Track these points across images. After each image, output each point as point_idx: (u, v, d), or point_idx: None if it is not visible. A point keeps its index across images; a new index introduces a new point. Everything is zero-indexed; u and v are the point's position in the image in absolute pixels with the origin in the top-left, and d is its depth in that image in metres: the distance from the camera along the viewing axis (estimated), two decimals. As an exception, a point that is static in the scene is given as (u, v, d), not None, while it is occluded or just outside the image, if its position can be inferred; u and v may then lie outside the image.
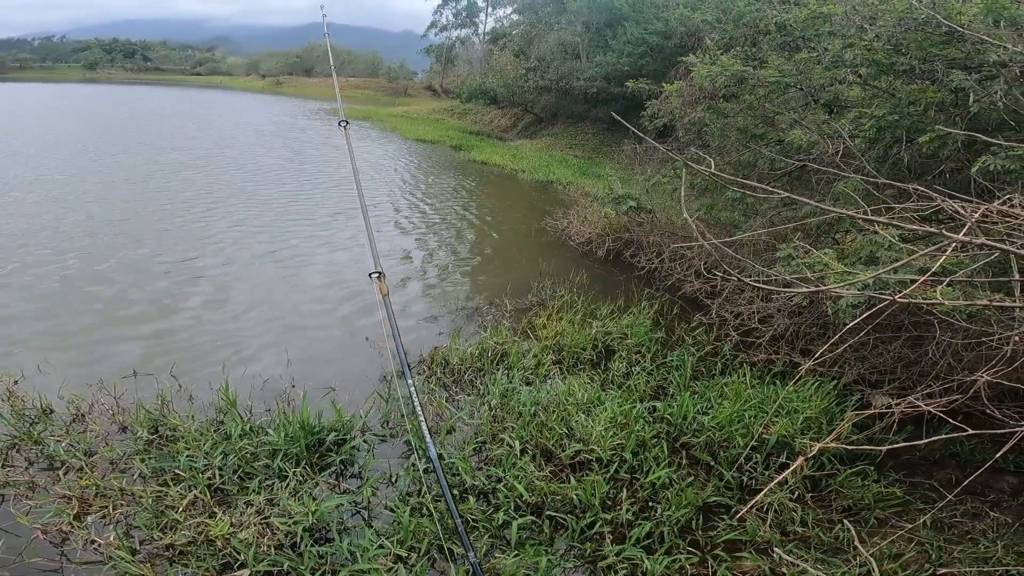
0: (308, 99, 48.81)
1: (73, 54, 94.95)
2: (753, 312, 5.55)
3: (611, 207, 9.10)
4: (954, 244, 2.48)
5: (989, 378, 2.43)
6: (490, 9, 40.12)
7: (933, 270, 2.46)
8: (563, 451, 3.99)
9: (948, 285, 2.95)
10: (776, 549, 3.21)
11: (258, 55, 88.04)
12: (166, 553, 3.22)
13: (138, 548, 3.25)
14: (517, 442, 4.06)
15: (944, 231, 2.37)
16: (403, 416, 4.53)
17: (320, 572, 3.08)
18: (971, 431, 2.16)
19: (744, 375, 4.85)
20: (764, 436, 4.01)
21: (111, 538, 3.23)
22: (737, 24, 6.79)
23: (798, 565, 2.96)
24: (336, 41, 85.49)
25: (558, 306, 6.52)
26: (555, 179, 14.97)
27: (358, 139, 23.57)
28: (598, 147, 19.30)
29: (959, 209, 2.52)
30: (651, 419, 4.37)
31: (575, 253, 9.10)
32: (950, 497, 2.59)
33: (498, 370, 5.14)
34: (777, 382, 4.78)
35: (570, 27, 20.36)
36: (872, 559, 2.62)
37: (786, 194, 2.72)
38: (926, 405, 2.49)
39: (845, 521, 3.36)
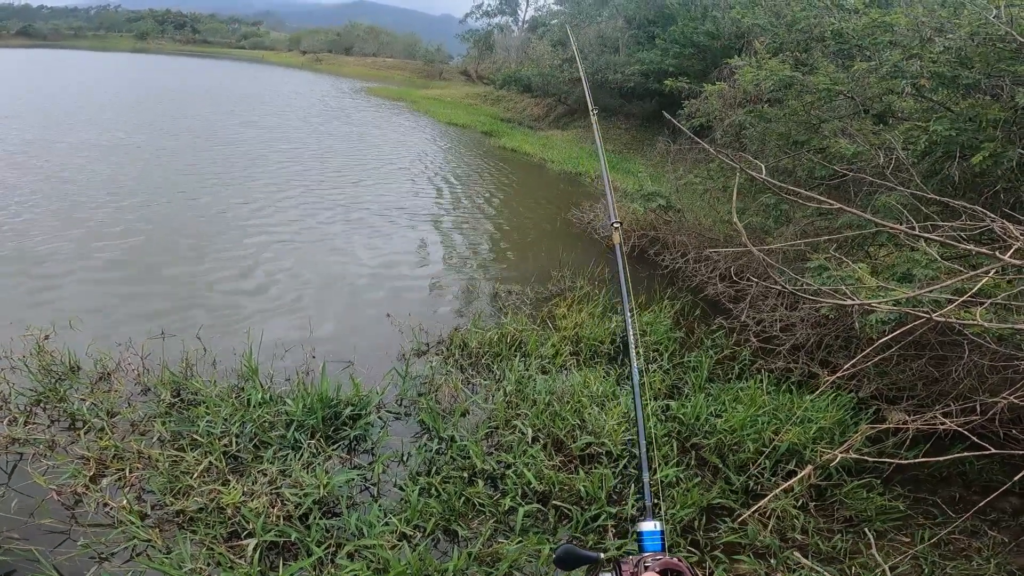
0: (348, 78, 49.05)
1: (127, 23, 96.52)
2: (776, 320, 5.47)
3: (639, 203, 9.02)
4: (996, 265, 2.41)
5: (1013, 400, 2.38)
6: (531, -2, 39.83)
7: (974, 291, 2.41)
8: (574, 442, 4.00)
9: (985, 307, 2.89)
10: (796, 554, 3.20)
11: (300, 31, 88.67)
12: (176, 519, 3.26)
13: (149, 513, 3.29)
14: (530, 430, 4.09)
15: (997, 253, 2.31)
16: (419, 395, 4.59)
17: (325, 545, 3.12)
18: (993, 450, 2.12)
19: (761, 381, 4.80)
20: (775, 443, 3.98)
21: (123, 502, 3.25)
22: (790, 29, 6.62)
23: (815, 569, 2.95)
24: (377, 21, 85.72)
25: (578, 298, 6.51)
26: (583, 171, 14.86)
27: (394, 120, 23.69)
28: (629, 143, 19.06)
29: (1011, 228, 2.45)
30: (664, 417, 4.36)
31: (599, 246, 9.04)
32: (954, 516, 2.55)
33: (515, 357, 5.16)
34: (793, 390, 4.73)
35: (611, 21, 20.09)
36: (883, 561, 2.59)
37: (838, 205, 2.66)
38: (944, 423, 2.45)
39: (866, 530, 3.34)
